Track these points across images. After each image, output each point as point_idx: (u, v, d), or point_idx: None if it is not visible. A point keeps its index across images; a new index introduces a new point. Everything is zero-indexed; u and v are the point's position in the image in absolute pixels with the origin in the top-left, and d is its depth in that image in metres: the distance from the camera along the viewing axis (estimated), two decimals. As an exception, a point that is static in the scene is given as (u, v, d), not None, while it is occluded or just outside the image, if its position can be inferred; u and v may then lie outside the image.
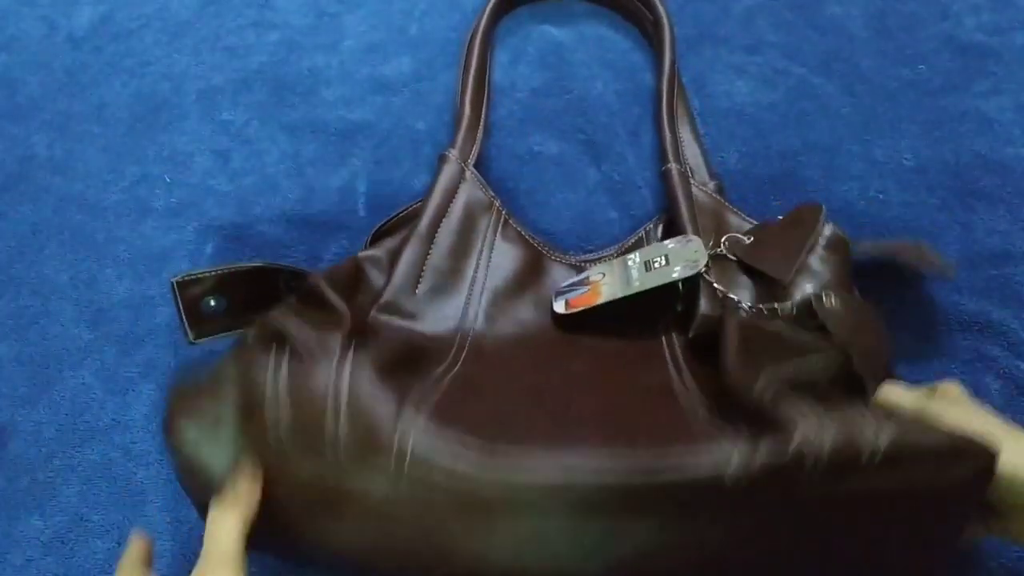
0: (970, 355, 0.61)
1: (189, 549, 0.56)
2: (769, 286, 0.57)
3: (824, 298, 0.54)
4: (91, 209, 0.70)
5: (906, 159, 0.70)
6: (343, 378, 0.45)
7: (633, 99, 0.74)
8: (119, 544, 0.57)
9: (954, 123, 0.71)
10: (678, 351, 0.57)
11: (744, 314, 0.56)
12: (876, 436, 0.42)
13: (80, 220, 0.70)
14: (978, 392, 0.59)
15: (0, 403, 0.62)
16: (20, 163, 0.73)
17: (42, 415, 0.61)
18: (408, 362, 0.49)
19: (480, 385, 0.51)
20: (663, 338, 0.58)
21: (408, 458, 0.43)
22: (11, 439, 0.61)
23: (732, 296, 0.56)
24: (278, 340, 0.49)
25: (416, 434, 0.43)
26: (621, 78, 0.75)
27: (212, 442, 0.46)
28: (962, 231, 0.66)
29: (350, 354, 0.46)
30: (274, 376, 0.44)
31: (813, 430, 0.42)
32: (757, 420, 0.44)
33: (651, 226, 0.65)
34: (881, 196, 0.68)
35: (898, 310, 0.62)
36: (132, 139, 0.74)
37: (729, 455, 0.42)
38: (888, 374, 0.54)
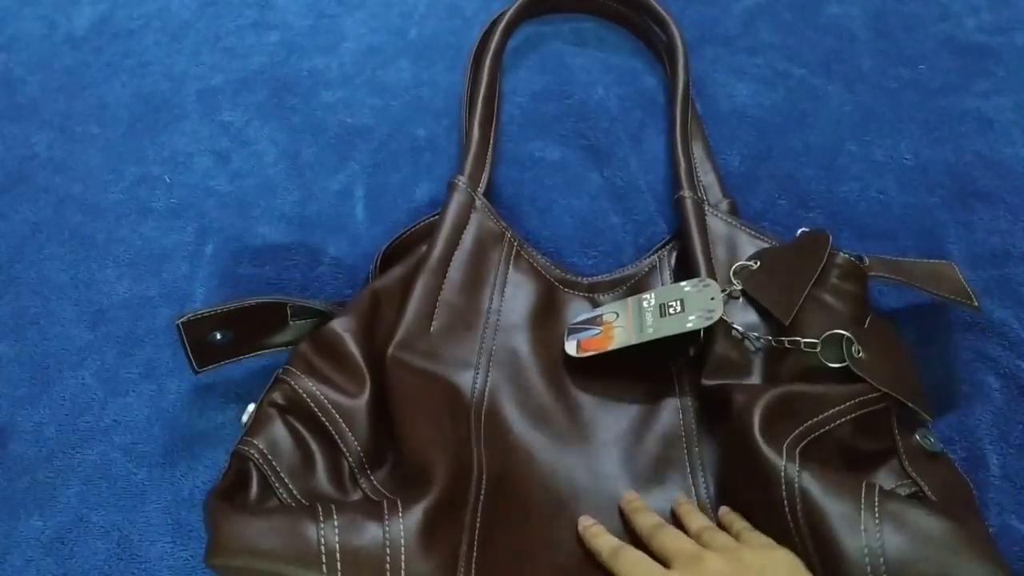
0: (970, 355, 0.61)
1: (189, 550, 0.56)
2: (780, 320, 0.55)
3: (851, 350, 0.52)
4: (91, 209, 0.70)
5: (906, 159, 0.70)
6: (398, 537, 0.45)
7: (635, 103, 0.74)
8: (119, 544, 0.56)
9: (954, 123, 0.71)
10: (691, 408, 0.56)
11: (762, 349, 0.55)
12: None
13: (80, 220, 0.70)
14: (978, 392, 0.59)
15: (0, 403, 0.62)
16: (20, 163, 0.73)
17: (42, 415, 0.61)
18: (449, 504, 0.49)
19: (509, 521, 0.51)
20: (675, 384, 0.57)
21: None
22: (11, 439, 0.61)
23: (752, 334, 0.55)
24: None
25: None
26: (622, 82, 0.75)
27: None
28: (962, 231, 0.66)
29: (398, 507, 0.46)
30: (325, 536, 0.45)
31: None
32: None
33: (665, 253, 0.63)
34: (881, 196, 0.68)
35: (899, 311, 0.62)
36: (132, 139, 0.74)
37: None
38: (919, 388, 0.54)
